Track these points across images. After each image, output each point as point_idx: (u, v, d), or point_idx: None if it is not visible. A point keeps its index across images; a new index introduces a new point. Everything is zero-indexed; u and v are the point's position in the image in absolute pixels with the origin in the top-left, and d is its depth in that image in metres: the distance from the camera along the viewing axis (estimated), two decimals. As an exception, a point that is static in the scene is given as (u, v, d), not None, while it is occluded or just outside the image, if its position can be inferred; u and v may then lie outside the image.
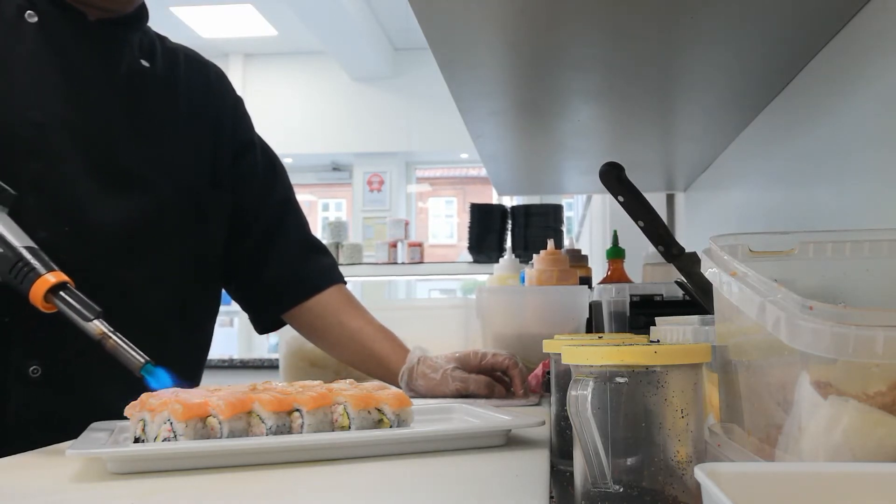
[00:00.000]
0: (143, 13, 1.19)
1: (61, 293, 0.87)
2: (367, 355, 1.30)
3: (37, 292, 0.85)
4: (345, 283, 1.37)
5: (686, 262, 0.98)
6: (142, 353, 0.87)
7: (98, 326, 0.87)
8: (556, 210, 4.34)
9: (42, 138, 1.05)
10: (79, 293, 0.87)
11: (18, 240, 0.87)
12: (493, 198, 5.22)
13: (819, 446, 0.43)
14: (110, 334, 0.87)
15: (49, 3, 1.09)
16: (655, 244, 1.00)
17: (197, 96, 1.25)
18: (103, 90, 1.12)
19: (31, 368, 1.02)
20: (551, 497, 0.60)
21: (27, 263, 0.86)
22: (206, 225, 1.22)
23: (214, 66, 1.33)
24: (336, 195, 9.28)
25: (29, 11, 1.08)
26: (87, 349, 1.06)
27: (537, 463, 0.69)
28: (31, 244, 0.87)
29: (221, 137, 1.26)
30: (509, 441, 0.79)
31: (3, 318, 1.01)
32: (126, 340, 0.87)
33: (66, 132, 1.06)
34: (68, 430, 0.81)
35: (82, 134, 1.08)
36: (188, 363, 1.24)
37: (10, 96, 1.05)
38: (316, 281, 1.33)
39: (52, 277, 0.86)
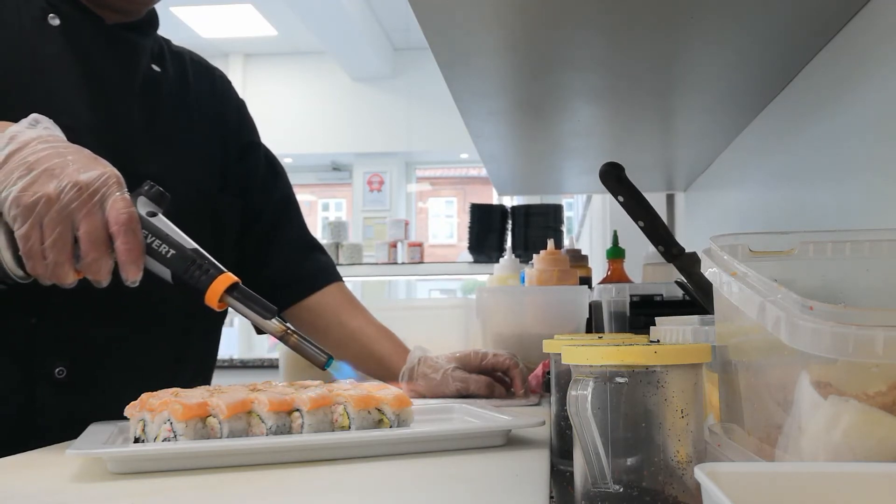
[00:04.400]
0: (154, 18, 1.20)
1: (236, 293, 0.87)
2: (367, 355, 1.30)
3: (214, 293, 0.86)
4: (342, 280, 1.37)
5: (686, 262, 0.98)
6: (324, 349, 0.88)
7: (278, 324, 0.87)
8: (556, 210, 4.34)
9: (71, 142, 1.04)
10: (252, 292, 0.88)
11: (184, 242, 0.88)
12: (493, 198, 5.23)
13: (819, 446, 0.43)
14: (291, 331, 0.87)
15: (69, 6, 1.09)
16: (655, 244, 1.00)
17: (204, 101, 1.25)
18: (124, 95, 1.12)
19: (57, 370, 1.03)
20: (551, 497, 0.60)
21: (199, 266, 0.86)
22: (220, 228, 1.22)
23: (218, 69, 1.34)
24: (336, 195, 9.28)
25: (51, 14, 1.07)
26: (111, 351, 1.07)
27: (537, 463, 0.69)
28: (196, 245, 0.88)
29: (228, 141, 1.27)
30: (509, 441, 0.79)
31: (29, 319, 1.02)
32: (306, 336, 0.88)
33: (93, 137, 1.06)
34: None
35: (106, 139, 1.07)
36: (203, 364, 1.25)
37: (41, 99, 1.04)
38: (315, 279, 1.33)
39: (226, 278, 0.87)
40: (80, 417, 0.91)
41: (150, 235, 0.86)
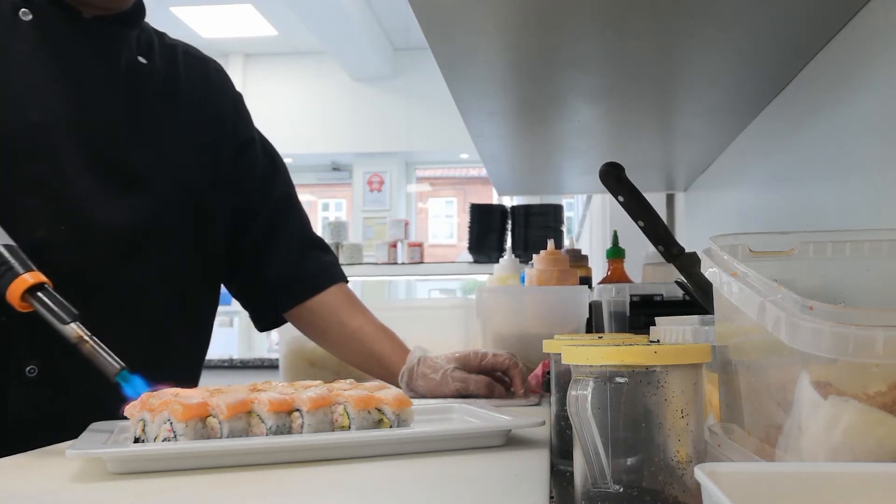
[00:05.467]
0: (139, 10, 1.18)
1: (38, 294, 0.85)
2: (367, 355, 1.30)
3: (14, 292, 0.84)
4: (346, 280, 1.36)
5: (686, 262, 0.98)
6: (118, 359, 0.85)
7: (75, 329, 0.85)
8: (556, 210, 4.34)
9: (43, 138, 1.04)
10: (57, 295, 0.85)
11: None
12: (493, 198, 5.22)
13: (819, 446, 0.43)
14: (87, 338, 0.85)
15: (43, 1, 1.08)
16: (655, 244, 1.00)
17: (197, 93, 1.24)
18: (102, 88, 1.11)
19: (28, 368, 1.02)
20: (551, 497, 0.60)
21: (5, 262, 0.84)
22: (208, 224, 1.21)
23: (214, 62, 1.32)
24: (336, 195, 9.27)
25: (23, 9, 1.06)
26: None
27: (537, 463, 0.69)
28: (10, 242, 0.85)
29: (223, 135, 1.25)
30: (509, 441, 0.79)
31: None
32: (103, 345, 0.85)
33: (67, 131, 1.06)
34: (67, 429, 0.81)
35: (83, 133, 1.07)
36: (188, 361, 1.24)
37: (10, 96, 1.04)
38: (317, 280, 1.32)
39: (30, 277, 0.84)
40: (53, 416, 0.90)
41: None
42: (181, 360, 1.21)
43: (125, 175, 1.10)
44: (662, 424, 0.50)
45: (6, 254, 0.85)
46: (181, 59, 1.24)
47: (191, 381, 1.21)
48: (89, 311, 1.04)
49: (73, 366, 1.05)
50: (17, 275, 0.84)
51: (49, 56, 1.07)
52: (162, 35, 1.25)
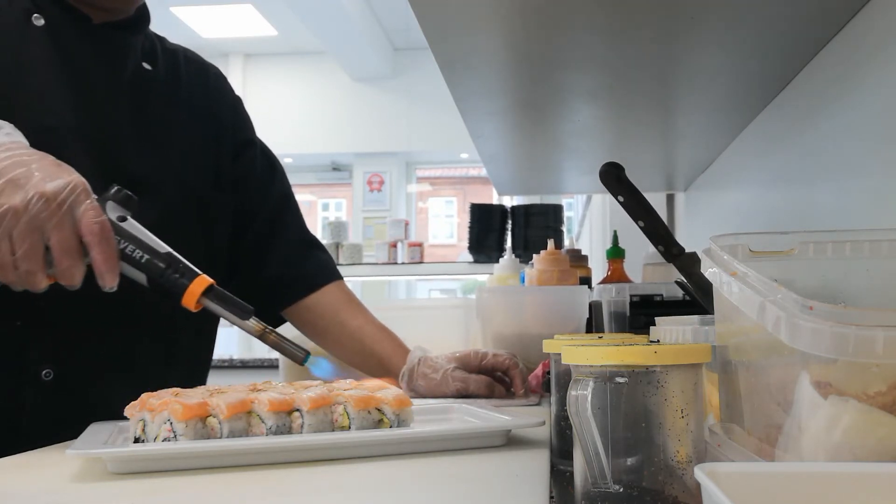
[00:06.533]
0: (145, 15, 1.19)
1: (212, 295, 0.89)
2: (367, 355, 1.30)
3: (191, 295, 0.88)
4: (342, 278, 1.37)
5: (686, 262, 0.98)
6: (301, 346, 0.90)
7: (256, 324, 0.89)
8: (556, 210, 4.34)
9: (55, 144, 1.04)
10: (227, 293, 0.90)
11: (157, 246, 0.89)
12: (493, 198, 5.22)
13: (819, 446, 0.43)
14: (269, 330, 0.89)
15: (55, 6, 1.08)
16: (655, 244, 1.00)
17: (198, 98, 1.25)
18: (110, 94, 1.11)
19: (44, 372, 1.03)
20: (551, 497, 0.60)
21: (175, 269, 0.88)
22: (211, 227, 1.22)
23: (213, 66, 1.34)
24: (336, 195, 9.28)
25: (35, 14, 1.07)
26: (99, 352, 1.07)
27: (537, 463, 0.69)
28: (169, 249, 0.89)
29: (223, 139, 1.26)
30: (509, 441, 0.79)
31: (15, 322, 1.01)
32: (281, 334, 0.90)
33: (77, 137, 1.06)
34: (81, 432, 0.81)
35: (91, 139, 1.07)
36: (196, 364, 1.25)
37: (25, 101, 1.04)
38: (314, 278, 1.33)
39: (201, 281, 0.89)
40: (67, 419, 0.91)
41: (122, 241, 0.87)
42: (188, 363, 1.22)
43: (130, 179, 1.10)
44: (662, 424, 0.50)
45: (171, 261, 0.89)
46: (182, 65, 1.25)
47: (197, 382, 1.21)
48: (94, 314, 1.04)
49: (88, 370, 1.06)
50: (190, 280, 0.88)
51: (59, 61, 1.07)
52: (162, 40, 1.26)
